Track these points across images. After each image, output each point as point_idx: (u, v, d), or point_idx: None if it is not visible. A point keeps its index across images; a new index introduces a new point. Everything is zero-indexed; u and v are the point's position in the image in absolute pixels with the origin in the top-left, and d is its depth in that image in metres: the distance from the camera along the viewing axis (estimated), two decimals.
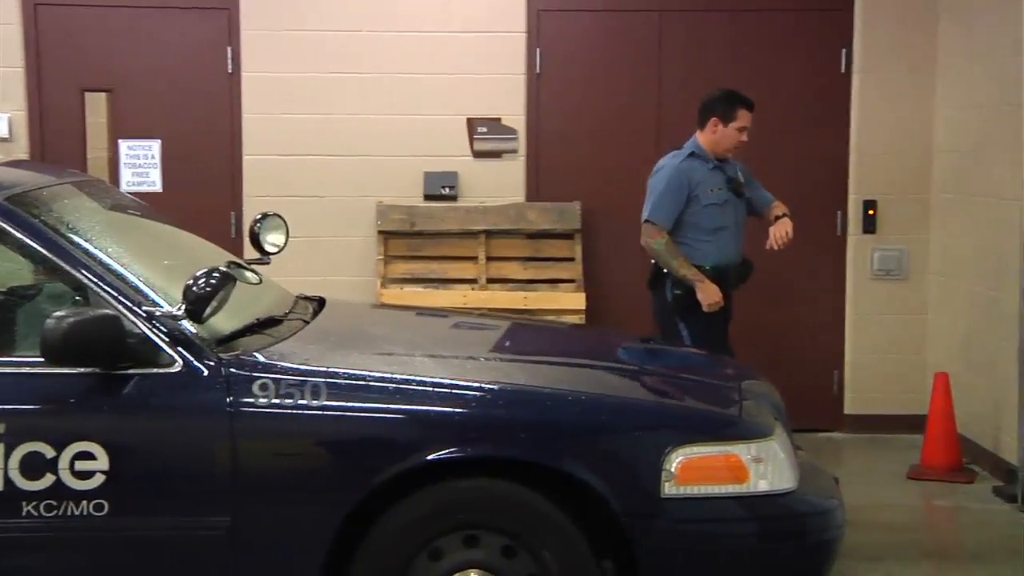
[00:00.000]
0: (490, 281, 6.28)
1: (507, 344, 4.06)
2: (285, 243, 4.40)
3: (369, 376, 3.31)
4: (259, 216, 4.39)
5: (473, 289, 6.23)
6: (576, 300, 6.15)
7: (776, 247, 5.13)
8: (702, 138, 5.16)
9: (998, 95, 5.57)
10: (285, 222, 4.42)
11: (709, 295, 5.00)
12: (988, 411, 5.69)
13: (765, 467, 3.30)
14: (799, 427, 4.26)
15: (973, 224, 5.88)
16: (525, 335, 4.33)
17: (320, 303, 4.17)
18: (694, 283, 5.00)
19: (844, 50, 6.36)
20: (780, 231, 5.12)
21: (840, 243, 6.47)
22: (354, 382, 3.27)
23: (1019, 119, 5.22)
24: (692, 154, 5.14)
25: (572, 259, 6.31)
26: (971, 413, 5.83)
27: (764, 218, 5.26)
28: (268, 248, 4.36)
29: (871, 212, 6.37)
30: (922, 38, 6.29)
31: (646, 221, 5.10)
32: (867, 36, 6.31)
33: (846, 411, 6.52)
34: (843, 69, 6.37)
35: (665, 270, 5.09)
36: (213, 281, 3.18)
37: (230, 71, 6.33)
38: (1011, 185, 5.31)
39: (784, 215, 5.18)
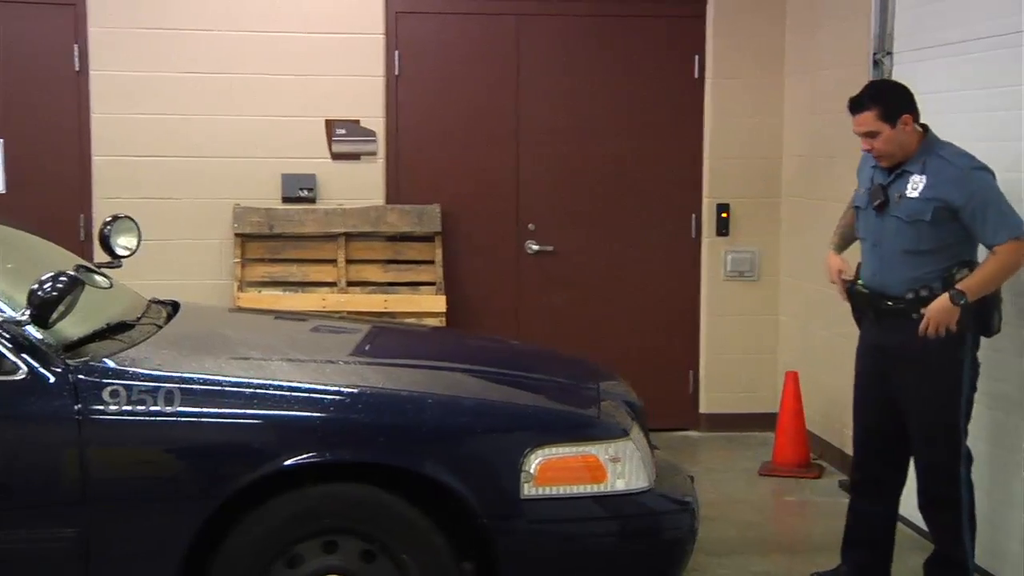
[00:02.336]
0: (350, 284, 6.23)
1: (367, 347, 4.04)
2: (137, 246, 4.30)
3: (225, 381, 3.25)
4: (109, 218, 4.28)
5: (333, 292, 6.17)
6: (436, 303, 6.15)
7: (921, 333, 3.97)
8: None
9: (843, 101, 5.76)
10: (137, 225, 4.31)
11: (827, 266, 4.38)
12: (834, 408, 5.89)
13: (622, 467, 3.35)
14: (656, 426, 4.34)
15: (819, 226, 6.06)
16: (385, 338, 4.31)
17: (174, 307, 4.09)
18: None
19: (697, 56, 6.50)
20: (926, 318, 3.94)
21: (695, 246, 6.61)
22: (209, 387, 3.21)
23: None
24: None
25: (432, 262, 6.31)
26: (819, 410, 6.03)
27: None
28: (119, 251, 4.25)
29: (724, 215, 6.53)
30: (771, 46, 6.48)
31: None
32: (718, 43, 6.47)
33: (701, 410, 6.67)
34: (696, 75, 6.51)
35: None
36: (60, 285, 3.09)
37: (77, 69, 6.13)
38: (852, 188, 5.50)
39: (951, 292, 3.89)
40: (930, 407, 4.01)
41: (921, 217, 3.96)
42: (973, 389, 4.04)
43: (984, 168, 3.96)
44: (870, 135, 4.06)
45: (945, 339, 3.94)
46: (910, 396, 4.05)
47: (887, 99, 4.08)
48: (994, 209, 3.89)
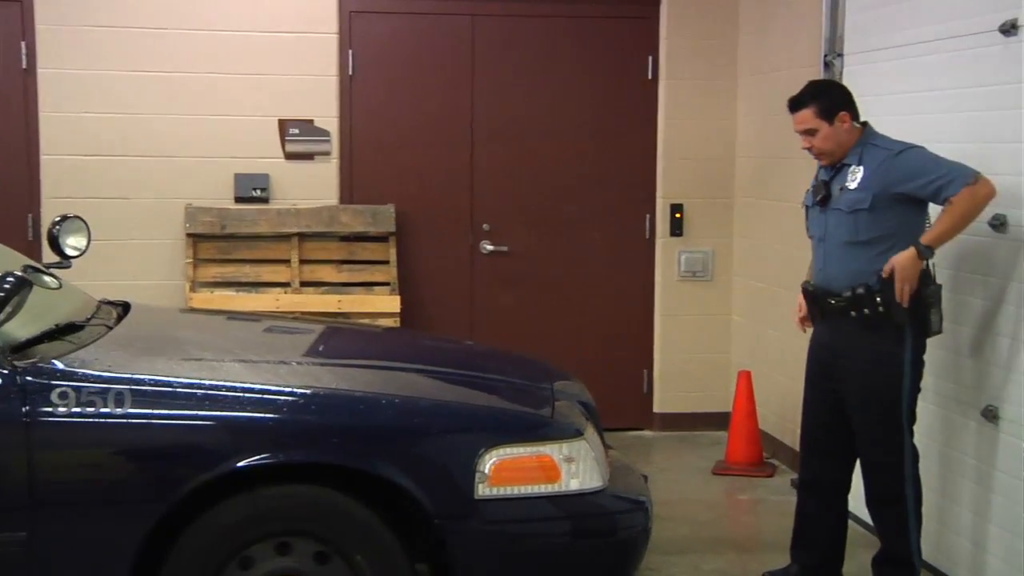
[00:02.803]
0: (304, 284, 6.20)
1: (320, 348, 4.03)
2: (87, 246, 4.24)
3: (176, 382, 3.22)
4: (58, 218, 4.22)
5: (286, 292, 6.14)
6: (391, 303, 6.14)
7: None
8: None
9: None
10: (87, 224, 4.25)
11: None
12: (786, 407, 5.94)
13: (576, 466, 3.36)
14: (610, 426, 4.36)
15: (770, 227, 6.13)
16: (339, 339, 4.29)
17: (125, 308, 4.04)
18: None
19: (650, 57, 6.53)
20: (890, 264, 3.93)
21: (649, 246, 6.64)
22: (160, 389, 3.18)
23: None
24: None
25: (386, 262, 6.29)
26: (771, 410, 6.08)
27: None
28: (68, 251, 4.19)
29: (678, 215, 6.57)
30: (724, 48, 6.52)
31: None
32: (672, 45, 6.50)
33: (655, 410, 6.70)
34: (650, 76, 6.54)
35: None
36: (6, 286, 3.06)
37: (24, 67, 6.05)
38: (804, 189, 5.55)
39: (919, 246, 3.90)
40: (871, 405, 4.05)
41: (860, 206, 4.00)
42: (916, 388, 4.07)
43: (913, 146, 4.03)
44: (809, 133, 4.15)
45: (885, 337, 3.98)
46: (853, 394, 4.09)
47: (825, 97, 4.16)
48: (935, 170, 3.90)
